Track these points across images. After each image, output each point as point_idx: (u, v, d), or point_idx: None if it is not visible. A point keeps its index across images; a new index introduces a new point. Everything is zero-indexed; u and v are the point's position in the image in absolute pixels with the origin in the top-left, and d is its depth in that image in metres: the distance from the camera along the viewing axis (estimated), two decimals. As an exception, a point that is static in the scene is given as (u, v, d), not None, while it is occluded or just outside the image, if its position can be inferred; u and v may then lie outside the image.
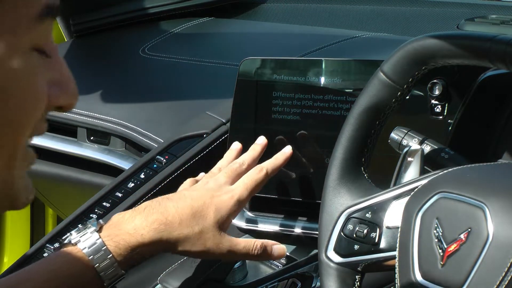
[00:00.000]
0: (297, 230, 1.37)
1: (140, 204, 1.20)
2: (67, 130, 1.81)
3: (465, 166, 1.04)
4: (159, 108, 1.71)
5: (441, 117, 1.33)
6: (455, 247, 0.95)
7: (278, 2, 2.17)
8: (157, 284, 1.29)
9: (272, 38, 1.94)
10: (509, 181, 0.98)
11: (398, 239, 1.03)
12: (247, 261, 1.31)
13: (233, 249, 1.18)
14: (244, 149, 1.35)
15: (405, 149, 1.16)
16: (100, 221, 1.16)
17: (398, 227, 1.04)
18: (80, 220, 1.42)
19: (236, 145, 1.34)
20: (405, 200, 1.06)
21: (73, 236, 1.13)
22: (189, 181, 1.28)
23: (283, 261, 1.33)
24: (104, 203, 1.45)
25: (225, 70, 1.77)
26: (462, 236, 0.95)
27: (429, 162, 1.17)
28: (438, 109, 1.33)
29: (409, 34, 1.79)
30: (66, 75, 0.72)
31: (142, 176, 1.48)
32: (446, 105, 1.33)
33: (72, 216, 1.44)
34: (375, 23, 1.97)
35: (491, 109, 1.30)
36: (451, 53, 1.06)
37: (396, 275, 1.02)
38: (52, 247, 1.38)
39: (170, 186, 1.46)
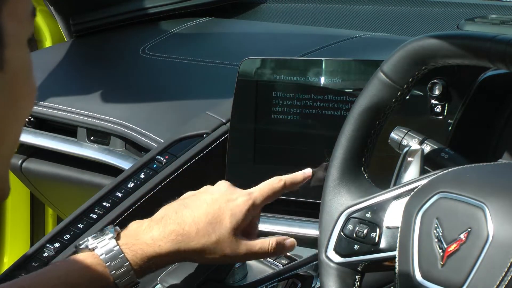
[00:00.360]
0: (297, 230, 1.37)
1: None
2: (67, 130, 1.81)
3: (465, 166, 1.04)
4: (159, 108, 1.71)
5: (441, 117, 1.33)
6: (455, 247, 0.95)
7: (278, 2, 2.17)
8: (157, 284, 1.29)
9: (272, 38, 1.94)
10: (509, 181, 0.98)
11: (398, 239, 1.03)
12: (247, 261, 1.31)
13: (250, 252, 1.19)
14: (244, 149, 1.34)
15: (405, 149, 1.16)
16: (117, 227, 1.16)
17: (398, 227, 1.04)
18: (80, 220, 1.42)
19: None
20: (405, 200, 1.06)
21: (90, 242, 1.14)
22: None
23: (283, 261, 1.33)
24: (104, 203, 1.45)
25: (225, 70, 1.77)
26: (462, 236, 0.95)
27: (429, 162, 1.17)
28: (438, 109, 1.33)
29: (409, 34, 1.79)
30: None
31: (142, 176, 1.48)
32: (446, 105, 1.33)
33: (72, 216, 1.44)
34: (375, 23, 1.97)
35: (491, 109, 1.30)
36: (451, 53, 1.06)
37: (396, 275, 1.02)
38: (52, 247, 1.38)
39: (170, 186, 1.46)
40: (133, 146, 1.70)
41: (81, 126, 1.77)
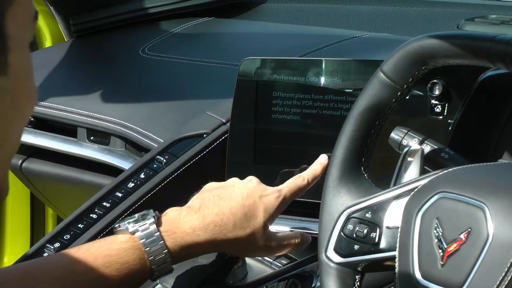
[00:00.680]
0: (297, 230, 1.37)
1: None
2: (67, 130, 1.81)
3: (465, 166, 1.04)
4: (159, 108, 1.71)
5: (441, 117, 1.33)
6: (455, 247, 0.95)
7: (278, 2, 2.17)
8: (157, 284, 1.29)
9: (272, 38, 1.94)
10: (509, 181, 0.98)
11: (398, 239, 1.03)
12: (247, 261, 1.31)
13: (280, 245, 1.23)
14: (244, 149, 1.35)
15: (405, 149, 1.16)
16: (157, 212, 1.18)
17: (398, 227, 1.04)
18: (80, 220, 1.42)
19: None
20: (405, 200, 1.06)
21: (131, 225, 1.15)
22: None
23: (283, 261, 1.33)
24: (104, 203, 1.45)
25: (225, 70, 1.77)
26: (462, 236, 0.95)
27: (429, 162, 1.17)
28: (438, 109, 1.33)
29: (409, 34, 1.79)
30: None
31: (142, 176, 1.48)
32: (446, 105, 1.33)
33: (72, 216, 1.44)
34: (375, 23, 1.97)
35: (491, 109, 1.30)
36: (451, 53, 1.06)
37: (396, 275, 1.02)
38: (52, 247, 1.38)
39: (170, 186, 1.46)
40: (133, 146, 1.70)
41: (81, 126, 1.77)
